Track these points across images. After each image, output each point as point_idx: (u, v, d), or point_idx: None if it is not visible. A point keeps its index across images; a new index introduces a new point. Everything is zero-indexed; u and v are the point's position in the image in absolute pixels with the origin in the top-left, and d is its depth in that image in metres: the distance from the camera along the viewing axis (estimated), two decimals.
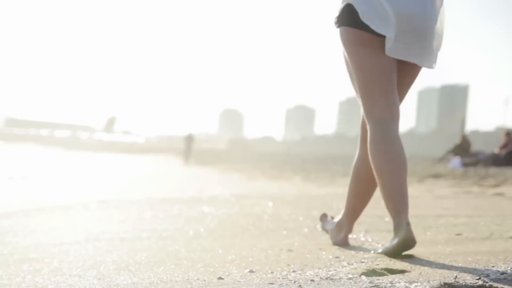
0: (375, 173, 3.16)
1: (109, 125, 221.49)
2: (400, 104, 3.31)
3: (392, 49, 3.12)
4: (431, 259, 2.94)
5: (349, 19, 3.15)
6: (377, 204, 6.40)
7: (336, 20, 3.25)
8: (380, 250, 3.19)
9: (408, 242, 2.98)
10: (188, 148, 40.38)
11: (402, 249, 3.02)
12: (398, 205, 3.04)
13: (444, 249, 3.28)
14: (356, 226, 4.29)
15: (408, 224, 2.99)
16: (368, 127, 3.27)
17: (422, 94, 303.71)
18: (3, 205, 8.77)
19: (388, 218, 4.83)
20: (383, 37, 3.12)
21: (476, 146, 24.75)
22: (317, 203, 6.19)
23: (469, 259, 2.92)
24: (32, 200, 10.31)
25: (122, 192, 12.67)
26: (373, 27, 3.09)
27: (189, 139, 41.18)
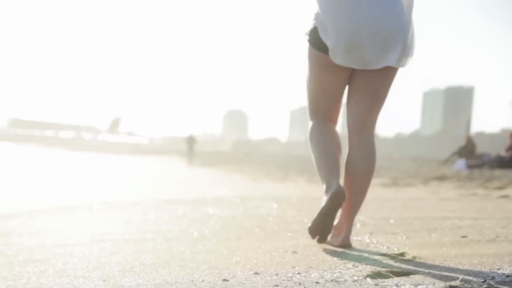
0: (312, 154, 3.69)
1: (114, 126, 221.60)
2: (372, 115, 3.63)
3: (336, 58, 3.47)
4: (437, 262, 2.94)
5: (311, 39, 3.58)
6: (381, 206, 6.41)
7: (307, 34, 3.62)
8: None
9: (338, 194, 3.32)
10: (191, 149, 40.84)
11: (336, 200, 3.33)
12: (325, 173, 3.49)
13: (449, 251, 3.27)
14: (361, 228, 4.29)
15: (338, 183, 3.37)
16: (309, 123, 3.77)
17: (427, 95, 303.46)
18: (7, 206, 8.78)
19: (393, 220, 4.83)
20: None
21: (481, 148, 24.69)
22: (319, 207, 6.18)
23: (475, 261, 2.91)
24: (36, 201, 10.32)
25: (126, 193, 12.68)
26: (316, 45, 3.54)
27: (191, 140, 41.63)
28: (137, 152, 63.13)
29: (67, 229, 5.20)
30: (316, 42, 3.54)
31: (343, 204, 3.44)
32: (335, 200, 3.33)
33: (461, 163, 18.39)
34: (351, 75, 3.62)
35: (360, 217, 5.02)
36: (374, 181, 14.84)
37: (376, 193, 10.60)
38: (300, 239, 3.83)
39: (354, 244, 3.61)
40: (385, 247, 3.48)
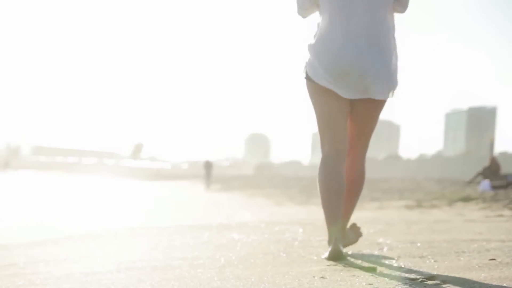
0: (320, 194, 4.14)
1: (136, 151, 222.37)
2: (364, 141, 4.31)
3: (337, 89, 3.98)
4: (466, 286, 2.91)
5: (307, 74, 4.09)
6: (407, 229, 6.37)
7: (304, 72, 4.14)
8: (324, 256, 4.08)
9: (334, 254, 3.94)
10: (208, 174, 41.82)
11: (332, 259, 3.93)
12: (328, 221, 4.05)
13: (478, 275, 3.24)
14: (388, 252, 4.26)
15: (337, 237, 3.96)
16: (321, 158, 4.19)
17: (449, 116, 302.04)
18: (32, 233, 8.84)
19: (420, 243, 4.79)
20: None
21: (506, 168, 24.48)
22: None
23: (505, 284, 2.88)
24: (61, 228, 10.38)
25: (150, 219, 12.72)
26: (314, 79, 4.04)
27: (208, 165, 42.69)
28: (159, 178, 63.34)
29: (94, 257, 5.22)
30: (312, 76, 4.08)
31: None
32: (332, 258, 3.95)
33: (485, 184, 18.23)
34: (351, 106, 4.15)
35: (387, 240, 5.00)
36: (398, 203, 14.83)
37: (401, 215, 10.55)
38: (327, 264, 3.81)
39: (382, 268, 3.58)
40: (413, 271, 3.45)
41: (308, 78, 4.08)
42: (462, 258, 3.92)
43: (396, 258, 4.02)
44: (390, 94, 4.06)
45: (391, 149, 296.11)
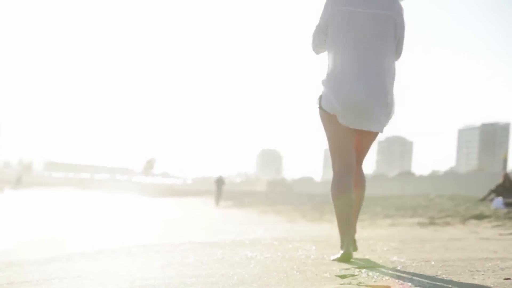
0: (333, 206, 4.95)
1: (148, 167, 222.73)
2: (362, 158, 5.16)
3: (343, 121, 4.78)
4: None
5: (320, 104, 4.89)
6: (421, 247, 6.34)
7: (317, 104, 4.92)
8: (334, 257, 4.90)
9: (345, 256, 4.74)
10: (219, 191, 41.99)
11: (343, 260, 4.72)
12: (342, 229, 4.86)
13: None
14: (403, 271, 4.25)
15: (348, 242, 4.76)
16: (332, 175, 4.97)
17: (462, 132, 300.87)
18: (45, 250, 8.86)
19: (434, 262, 4.78)
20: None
21: None
22: (361, 246, 6.14)
23: None
24: (74, 244, 10.40)
25: (163, 235, 12.73)
26: (328, 110, 4.82)
27: (219, 181, 42.80)
28: (171, 194, 63.38)
29: (107, 274, 5.24)
30: (325, 107, 4.84)
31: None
32: (343, 259, 4.74)
33: (498, 201, 18.12)
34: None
35: (401, 258, 4.99)
36: (411, 220, 14.78)
37: (415, 233, 10.51)
38: (341, 283, 3.80)
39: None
40: None
41: (321, 108, 4.85)
42: (476, 277, 3.91)
43: (410, 277, 4.01)
44: (384, 129, 4.92)
45: (404, 165, 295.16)
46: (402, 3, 4.93)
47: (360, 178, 5.16)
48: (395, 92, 4.87)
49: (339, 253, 4.81)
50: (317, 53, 5.00)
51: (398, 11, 4.85)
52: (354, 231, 5.04)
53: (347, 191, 4.84)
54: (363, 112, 4.70)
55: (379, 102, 4.73)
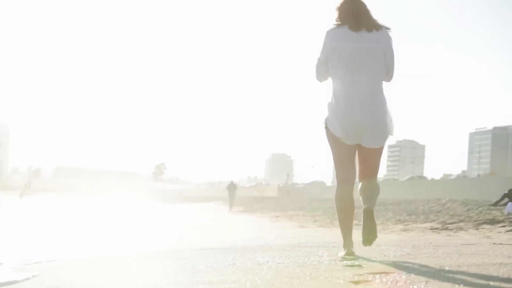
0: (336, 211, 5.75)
1: (158, 172, 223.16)
2: (372, 170, 5.69)
3: (344, 140, 5.49)
4: None
5: (326, 125, 5.59)
6: (435, 253, 6.29)
7: (324, 124, 5.62)
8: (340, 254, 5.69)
9: (349, 254, 5.49)
10: (231, 196, 42.60)
11: (347, 258, 5.38)
12: (343, 231, 5.64)
13: None
14: (416, 277, 4.21)
15: (349, 243, 5.59)
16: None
17: (473, 136, 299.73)
18: (56, 255, 8.84)
19: (448, 267, 4.73)
20: None
21: None
22: (373, 252, 6.10)
23: None
24: (85, 250, 10.39)
25: (174, 241, 12.70)
26: (332, 131, 5.54)
27: (232, 187, 43.45)
28: (181, 199, 63.44)
29: (118, 280, 5.22)
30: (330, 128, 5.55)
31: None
32: (347, 255, 5.50)
33: (511, 205, 18.00)
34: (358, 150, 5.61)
35: (415, 264, 4.94)
36: (424, 225, 14.69)
37: (428, 238, 10.44)
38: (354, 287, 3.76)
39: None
40: None
41: (327, 128, 5.57)
42: (491, 283, 3.86)
43: (424, 282, 3.96)
44: (385, 141, 5.58)
45: (416, 169, 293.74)
46: (391, 34, 5.61)
47: (369, 182, 5.70)
48: (390, 110, 5.55)
49: (344, 251, 5.60)
50: (320, 81, 5.69)
51: (387, 42, 5.54)
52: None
53: (348, 199, 5.60)
54: (360, 131, 5.41)
55: (374, 121, 5.41)
